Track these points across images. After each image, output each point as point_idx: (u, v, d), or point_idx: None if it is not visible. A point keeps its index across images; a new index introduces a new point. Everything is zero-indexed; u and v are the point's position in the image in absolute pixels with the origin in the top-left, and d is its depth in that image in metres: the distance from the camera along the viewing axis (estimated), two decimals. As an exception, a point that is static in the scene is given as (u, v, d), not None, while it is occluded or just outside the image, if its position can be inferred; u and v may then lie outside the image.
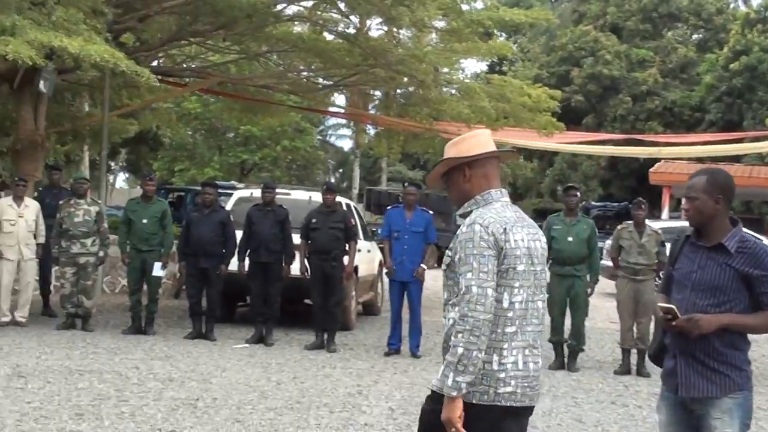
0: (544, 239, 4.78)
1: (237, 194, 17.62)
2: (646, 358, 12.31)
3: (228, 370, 11.74)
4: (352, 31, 21.15)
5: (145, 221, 14.50)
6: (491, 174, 4.75)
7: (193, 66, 23.57)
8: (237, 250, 14.50)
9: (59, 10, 14.45)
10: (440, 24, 21.03)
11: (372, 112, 31.01)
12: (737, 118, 48.03)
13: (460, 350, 4.35)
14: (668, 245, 6.00)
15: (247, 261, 14.48)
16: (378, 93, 29.85)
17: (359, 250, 15.27)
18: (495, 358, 4.46)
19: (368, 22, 25.37)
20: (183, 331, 14.82)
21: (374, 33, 24.53)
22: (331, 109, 30.78)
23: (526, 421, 4.69)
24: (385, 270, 13.64)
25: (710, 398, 5.14)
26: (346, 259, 14.34)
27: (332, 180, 62.01)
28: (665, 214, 35.22)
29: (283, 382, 11.15)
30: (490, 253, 4.44)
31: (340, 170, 71.97)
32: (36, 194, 16.66)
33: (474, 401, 4.44)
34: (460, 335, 4.36)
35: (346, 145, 65.05)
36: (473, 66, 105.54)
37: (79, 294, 14.60)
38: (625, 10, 55.91)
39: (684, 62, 54.05)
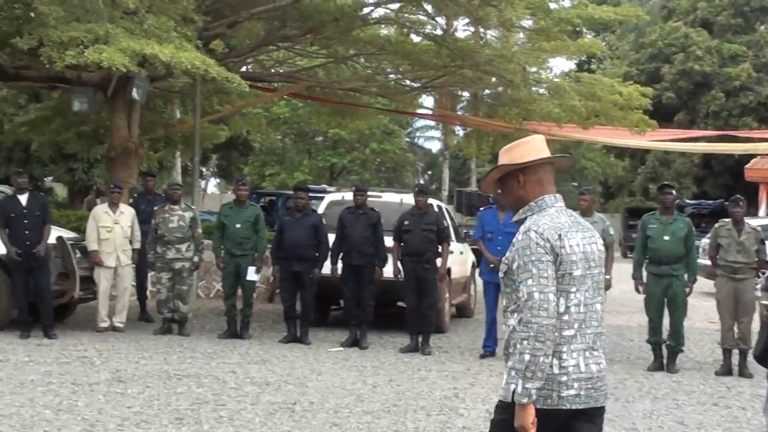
0: (600, 242, 4.77)
1: (328, 198, 17.61)
2: (749, 358, 12.13)
3: (324, 374, 11.75)
4: (438, 32, 21.10)
5: (238, 226, 14.58)
6: (545, 179, 4.75)
7: (282, 71, 23.70)
8: (330, 253, 14.50)
9: (150, 19, 14.62)
10: (527, 23, 20.87)
11: (460, 113, 30.90)
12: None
13: (527, 357, 4.37)
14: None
15: (340, 264, 14.48)
16: (466, 94, 29.74)
17: (452, 252, 15.17)
18: (555, 362, 4.47)
19: (455, 23, 25.30)
20: (278, 335, 14.86)
21: (461, 34, 24.44)
22: (419, 110, 30.79)
23: (599, 421, 4.69)
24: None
25: None
26: (439, 261, 14.27)
27: (421, 182, 61.90)
28: (762, 211, 34.58)
29: (379, 386, 11.12)
30: (547, 259, 4.48)
31: (429, 172, 71.88)
32: (131, 201, 16.86)
33: (538, 406, 4.43)
34: (525, 342, 4.39)
35: (435, 146, 64.97)
36: (561, 65, 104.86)
37: (175, 299, 14.73)
38: (716, 5, 54.98)
39: (778, 56, 53.11)
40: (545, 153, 4.75)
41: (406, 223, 14.18)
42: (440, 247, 14.25)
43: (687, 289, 13.12)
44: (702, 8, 55.28)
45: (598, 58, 55.88)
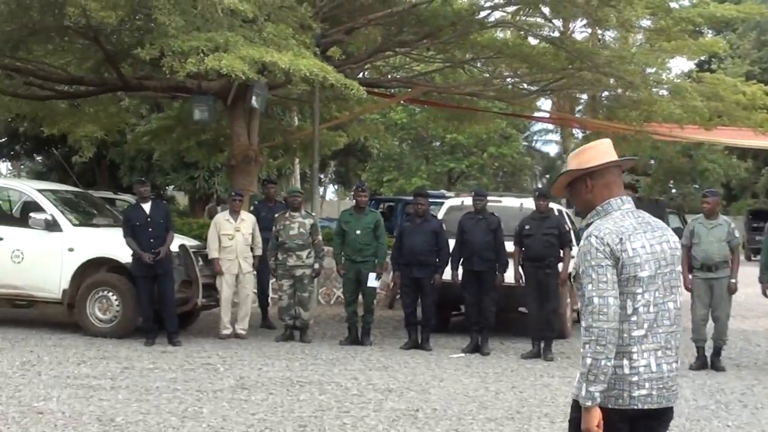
0: (673, 240, 4.78)
1: (448, 203, 17.54)
2: None
3: (446, 381, 11.68)
4: (556, 34, 20.90)
5: (358, 232, 14.57)
6: (613, 183, 4.80)
7: (399, 76, 23.70)
8: (450, 259, 14.43)
9: (269, 27, 14.72)
10: (646, 23, 20.53)
11: (578, 115, 30.59)
12: None
13: (589, 360, 4.49)
14: None
15: (460, 270, 14.40)
16: (584, 96, 29.44)
17: (573, 257, 15.00)
18: (625, 362, 4.54)
19: (572, 24, 25.06)
20: (398, 341, 14.85)
21: (578, 36, 24.22)
22: (537, 114, 30.55)
23: (668, 421, 4.76)
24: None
25: None
26: (560, 266, 14.10)
27: (540, 186, 61.44)
28: None
29: (502, 392, 11.01)
30: (607, 263, 4.54)
31: (547, 176, 71.32)
32: (251, 208, 16.98)
33: (610, 406, 4.53)
34: (587, 346, 4.51)
35: (552, 150, 64.42)
36: (681, 65, 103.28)
37: (296, 306, 14.79)
38: (844, 0, 53.66)
39: None
40: (612, 156, 4.82)
41: (527, 227, 14.06)
42: (562, 252, 14.08)
43: None
44: (827, 4, 53.84)
45: (719, 57, 54.82)
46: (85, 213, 16.15)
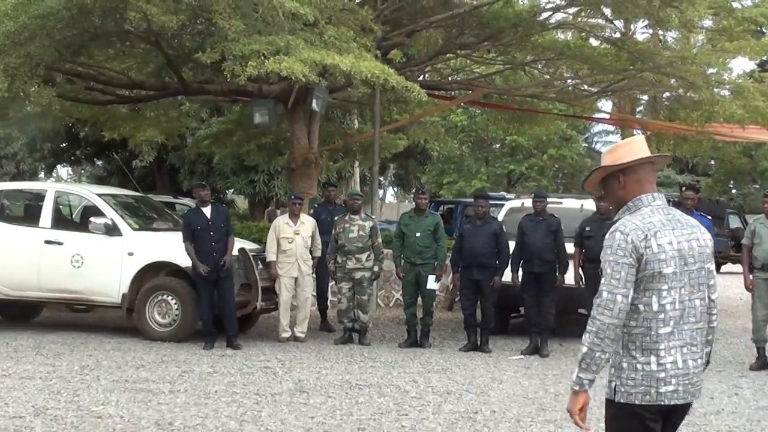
0: (704, 238, 4.88)
1: (508, 205, 17.47)
2: None
3: (504, 383, 11.60)
4: (617, 35, 20.75)
5: (418, 234, 14.52)
6: (645, 179, 4.91)
7: (459, 79, 23.63)
8: (510, 260, 14.36)
9: (330, 30, 14.71)
10: (707, 23, 20.31)
11: (638, 116, 30.32)
12: None
13: (585, 349, 4.68)
14: None
15: (520, 272, 14.32)
16: (644, 97, 29.19)
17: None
18: (653, 359, 4.67)
19: (633, 25, 24.87)
20: (458, 343, 14.79)
21: (639, 36, 24.02)
22: (598, 115, 30.31)
23: (686, 414, 4.93)
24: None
25: None
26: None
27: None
28: None
29: (561, 394, 10.89)
30: (625, 261, 4.65)
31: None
32: (311, 211, 17.00)
33: (637, 402, 4.68)
34: (587, 335, 4.68)
35: (612, 151, 63.94)
36: (743, 65, 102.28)
37: (355, 308, 14.77)
38: None
39: None
40: (645, 153, 4.92)
41: (588, 229, 13.98)
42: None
43: None
44: None
45: (781, 57, 54.11)
46: (144, 217, 16.25)
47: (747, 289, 13.44)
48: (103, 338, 14.61)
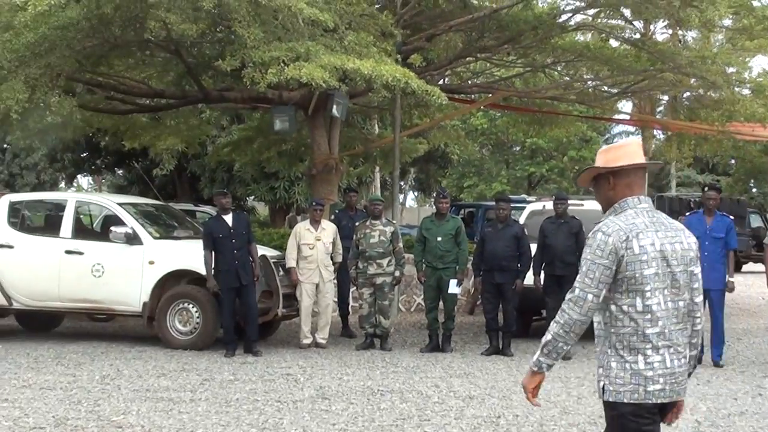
0: (688, 241, 4.99)
1: (529, 207, 17.46)
2: None
3: (528, 387, 11.53)
4: (637, 36, 20.69)
5: (439, 239, 14.49)
6: (635, 183, 5.04)
7: (479, 82, 23.60)
8: (532, 263, 14.31)
9: (350, 35, 14.70)
10: (728, 22, 20.22)
11: (659, 116, 30.22)
12: None
13: (549, 337, 4.89)
14: None
15: (542, 275, 14.26)
16: (664, 97, 29.09)
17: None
18: (640, 358, 4.81)
19: (652, 26, 24.75)
20: (479, 347, 14.75)
21: (658, 37, 23.90)
22: (618, 116, 30.23)
23: (669, 412, 5.05)
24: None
25: None
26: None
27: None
28: None
29: (584, 397, 10.86)
30: (601, 262, 4.80)
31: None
32: (332, 216, 16.99)
33: (625, 400, 4.82)
34: (555, 325, 4.88)
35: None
36: (763, 63, 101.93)
37: (377, 314, 14.75)
38: None
39: None
40: (639, 159, 5.04)
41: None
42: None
43: None
44: None
45: (803, 55, 53.92)
46: (165, 226, 16.25)
47: (772, 287, 13.41)
48: (124, 347, 14.62)
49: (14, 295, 15.28)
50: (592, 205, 16.53)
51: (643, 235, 4.83)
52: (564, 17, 19.57)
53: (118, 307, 15.07)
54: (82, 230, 16.02)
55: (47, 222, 16.57)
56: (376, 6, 17.77)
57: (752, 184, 54.91)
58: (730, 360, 13.59)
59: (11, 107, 14.25)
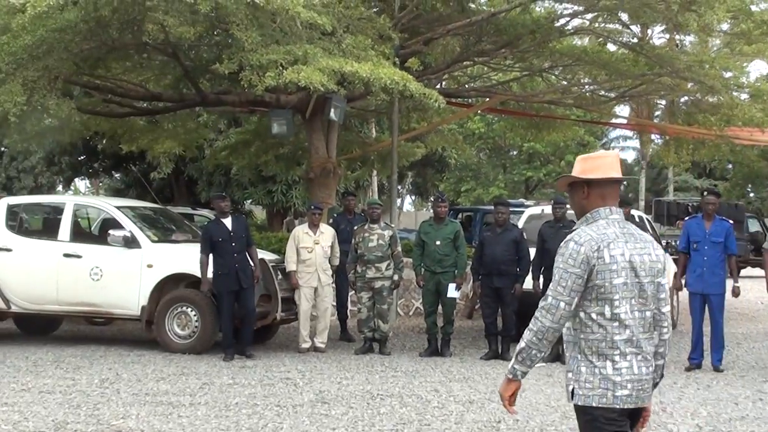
0: (656, 253, 5.06)
1: (528, 212, 17.45)
2: None
3: (527, 390, 11.47)
4: (634, 41, 20.69)
5: (438, 243, 14.47)
6: (608, 195, 5.11)
7: (476, 86, 23.60)
8: (531, 267, 14.29)
9: (348, 38, 14.67)
10: (726, 26, 20.24)
11: (656, 121, 30.23)
12: None
13: (523, 344, 4.99)
14: None
15: (541, 279, 14.24)
16: (662, 102, 29.11)
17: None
18: (608, 364, 4.89)
19: (649, 30, 24.77)
20: (479, 351, 14.73)
21: (656, 41, 23.92)
22: (616, 120, 30.24)
23: (638, 418, 5.10)
24: (668, 285, 13.07)
25: None
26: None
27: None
28: None
29: (585, 403, 10.83)
30: (573, 271, 4.88)
31: (624, 182, 70.62)
32: (331, 220, 16.97)
33: (594, 404, 4.88)
34: (528, 333, 4.98)
35: (629, 156, 64.01)
36: (761, 68, 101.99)
37: (375, 318, 14.72)
38: None
39: None
40: (615, 172, 5.11)
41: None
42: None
43: None
44: None
45: (800, 60, 53.93)
46: (163, 229, 16.23)
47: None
48: (123, 351, 14.59)
49: (12, 299, 15.26)
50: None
51: (614, 245, 4.92)
52: (562, 21, 19.56)
53: (116, 311, 15.03)
54: (80, 233, 15.97)
55: (45, 225, 16.52)
56: (374, 9, 17.76)
57: (750, 189, 55.01)
58: (730, 364, 13.58)
59: (9, 110, 14.21)
